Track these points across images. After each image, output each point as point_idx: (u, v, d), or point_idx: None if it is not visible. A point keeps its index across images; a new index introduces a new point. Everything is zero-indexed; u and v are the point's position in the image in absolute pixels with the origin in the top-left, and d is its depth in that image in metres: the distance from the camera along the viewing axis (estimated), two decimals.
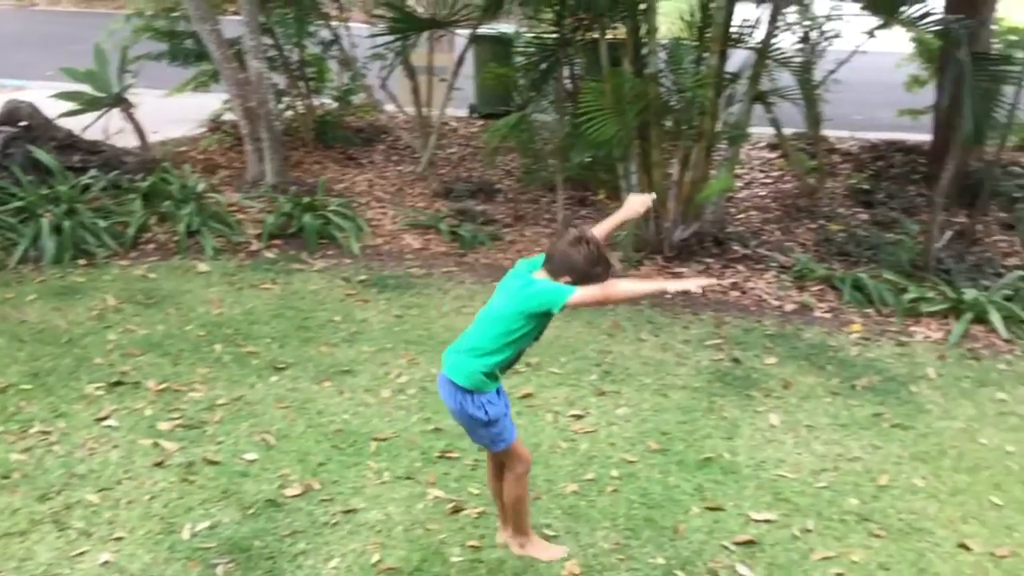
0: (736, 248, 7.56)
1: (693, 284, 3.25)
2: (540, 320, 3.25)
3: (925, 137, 9.69)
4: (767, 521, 4.22)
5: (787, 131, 9.15)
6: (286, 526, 3.96)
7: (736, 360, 5.80)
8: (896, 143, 10.24)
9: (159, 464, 4.37)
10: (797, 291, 6.89)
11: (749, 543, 4.06)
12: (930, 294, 6.68)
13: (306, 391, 5.09)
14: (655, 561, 3.91)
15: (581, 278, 3.18)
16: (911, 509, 4.39)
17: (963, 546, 4.14)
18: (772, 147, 10.23)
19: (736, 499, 4.38)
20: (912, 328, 6.40)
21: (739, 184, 9.23)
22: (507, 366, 3.37)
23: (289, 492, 4.19)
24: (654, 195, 3.75)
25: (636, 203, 3.65)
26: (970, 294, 6.53)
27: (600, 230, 3.46)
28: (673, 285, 3.28)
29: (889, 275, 6.95)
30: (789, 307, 6.67)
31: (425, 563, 3.78)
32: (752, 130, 9.68)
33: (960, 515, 4.36)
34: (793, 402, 5.33)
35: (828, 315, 6.58)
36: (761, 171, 9.87)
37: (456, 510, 4.13)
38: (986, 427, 5.18)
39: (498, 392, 3.40)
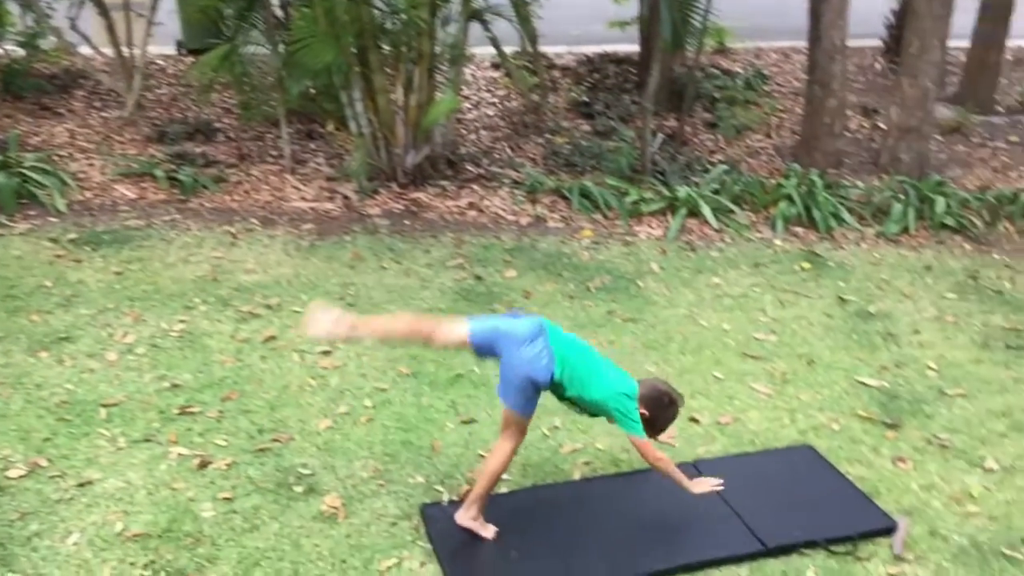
0: (470, 168, 7.64)
1: (708, 487, 3.71)
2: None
3: (634, 47, 10.18)
4: None
5: (508, 49, 9.27)
6: (13, 509, 3.61)
7: (478, 277, 5.90)
8: (609, 55, 10.69)
9: None
10: (531, 204, 7.08)
11: None
12: (648, 195, 7.10)
13: (20, 365, 4.61)
14: (415, 481, 3.95)
15: (651, 422, 3.55)
16: None
17: (693, 419, 4.50)
18: (495, 66, 10.35)
19: (488, 409, 4.49)
20: (636, 228, 6.79)
21: (467, 105, 9.30)
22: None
23: (13, 474, 3.81)
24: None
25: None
26: (683, 191, 7.01)
27: None
28: (696, 489, 3.68)
29: (612, 181, 7.31)
30: (524, 220, 6.86)
31: (175, 523, 3.59)
32: (474, 50, 9.75)
33: (689, 392, 4.71)
34: (535, 310, 5.50)
35: (561, 224, 6.83)
36: (488, 91, 9.98)
37: (203, 464, 3.94)
38: (705, 310, 5.62)
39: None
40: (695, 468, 4.10)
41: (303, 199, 6.96)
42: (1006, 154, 8.60)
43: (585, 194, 7.10)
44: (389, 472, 3.99)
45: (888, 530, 3.78)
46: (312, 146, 8.04)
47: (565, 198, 7.14)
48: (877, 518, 3.84)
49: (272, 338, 5.01)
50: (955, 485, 4.09)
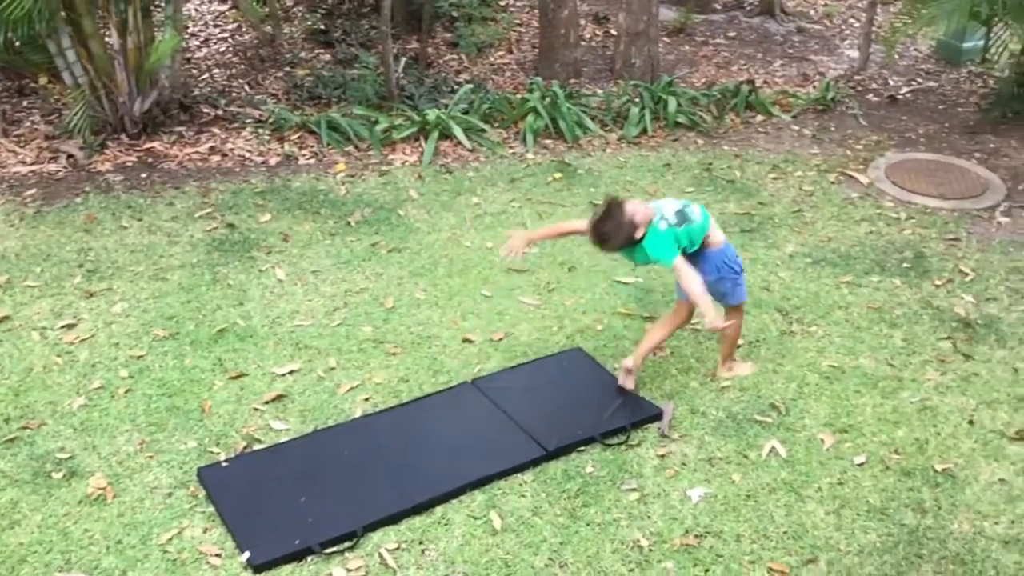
0: (206, 111, 7.21)
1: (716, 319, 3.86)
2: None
3: None
4: (292, 372, 4.26)
5: None
6: None
7: (231, 225, 5.63)
8: None
9: None
10: (278, 143, 6.80)
11: (279, 398, 4.09)
12: (399, 121, 7.00)
13: None
14: (187, 446, 3.77)
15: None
16: (418, 321, 4.71)
17: (467, 340, 4.57)
18: None
19: (258, 361, 4.34)
20: (391, 157, 6.70)
21: (195, 43, 8.73)
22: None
23: None
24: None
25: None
26: (433, 114, 6.96)
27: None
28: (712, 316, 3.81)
29: (360, 110, 7.13)
30: (273, 160, 6.58)
31: None
32: None
33: (460, 314, 4.79)
34: (295, 252, 5.35)
35: (312, 161, 6.61)
36: (216, 26, 9.40)
37: None
38: (467, 231, 5.67)
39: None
40: (475, 387, 4.19)
41: (22, 163, 6.31)
42: (726, 50, 9.18)
43: (334, 127, 6.90)
44: (157, 442, 3.79)
45: (656, 416, 4.04)
46: (25, 103, 7.28)
47: (314, 133, 6.90)
48: (644, 407, 4.09)
49: (5, 319, 4.57)
50: (709, 365, 4.42)
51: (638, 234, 3.77)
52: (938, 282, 5.14)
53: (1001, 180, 6.42)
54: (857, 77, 8.43)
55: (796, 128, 7.35)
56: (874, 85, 8.31)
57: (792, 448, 3.88)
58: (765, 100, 7.68)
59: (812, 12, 10.31)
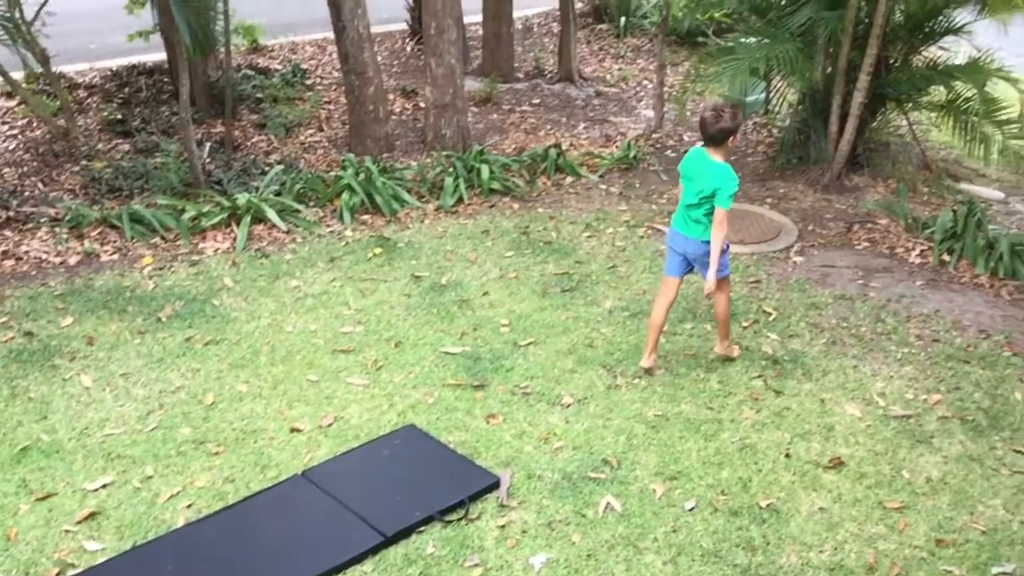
0: None
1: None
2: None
3: (163, 56, 9.65)
4: (105, 486, 3.99)
5: (16, 75, 8.33)
6: None
7: (29, 333, 5.26)
8: (137, 67, 10.02)
9: None
10: (77, 241, 6.44)
11: (92, 516, 3.81)
12: (208, 208, 6.79)
13: None
14: None
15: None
16: (241, 415, 4.53)
17: (295, 429, 4.43)
18: (7, 95, 9.25)
19: (67, 478, 4.04)
20: (201, 245, 6.48)
21: None
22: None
23: None
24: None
25: None
26: (243, 198, 6.80)
27: None
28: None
29: (164, 200, 6.88)
30: (73, 260, 6.23)
31: None
32: None
33: (286, 403, 4.64)
34: (102, 356, 5.04)
35: (116, 257, 6.30)
36: (4, 123, 8.88)
37: None
38: (289, 316, 5.54)
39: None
40: (306, 478, 4.05)
41: None
42: (532, 116, 9.50)
43: (137, 219, 6.61)
44: None
45: (494, 486, 4.03)
46: None
47: (115, 227, 6.58)
48: (481, 477, 4.07)
49: None
50: (541, 427, 4.46)
51: (730, 141, 4.51)
52: (745, 324, 5.43)
53: (792, 222, 6.90)
54: (655, 135, 8.91)
55: (604, 187, 7.66)
56: (671, 142, 8.80)
57: (627, 501, 3.95)
58: (573, 162, 7.97)
59: (608, 77, 10.86)
